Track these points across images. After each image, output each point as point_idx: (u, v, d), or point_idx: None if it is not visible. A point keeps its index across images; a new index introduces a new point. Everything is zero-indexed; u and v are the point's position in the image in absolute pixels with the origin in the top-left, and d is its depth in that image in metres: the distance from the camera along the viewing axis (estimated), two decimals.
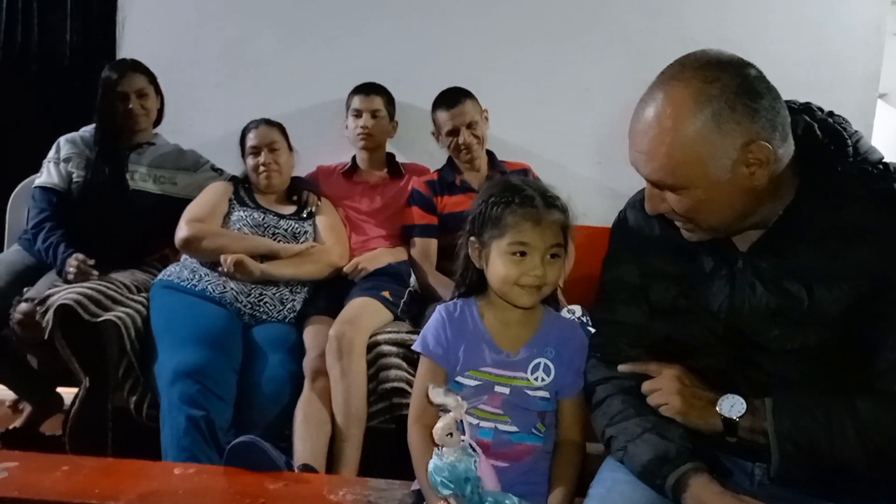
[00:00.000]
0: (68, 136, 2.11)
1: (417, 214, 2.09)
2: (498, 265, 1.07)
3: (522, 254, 1.05)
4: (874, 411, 0.85)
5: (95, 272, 1.87)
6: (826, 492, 0.93)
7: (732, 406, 0.92)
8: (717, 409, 0.93)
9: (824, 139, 0.92)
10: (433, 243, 2.07)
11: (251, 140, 2.04)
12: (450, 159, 2.17)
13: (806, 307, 0.89)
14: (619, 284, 1.07)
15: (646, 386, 1.00)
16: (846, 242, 0.87)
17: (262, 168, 2.02)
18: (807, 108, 0.96)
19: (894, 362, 0.86)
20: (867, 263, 0.86)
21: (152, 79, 2.14)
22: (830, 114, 0.96)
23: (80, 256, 1.87)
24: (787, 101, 0.92)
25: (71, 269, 1.86)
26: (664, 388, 0.98)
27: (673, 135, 0.85)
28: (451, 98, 2.08)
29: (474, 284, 1.14)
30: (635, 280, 1.05)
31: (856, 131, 0.94)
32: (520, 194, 1.07)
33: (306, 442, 1.61)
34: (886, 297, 0.85)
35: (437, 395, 0.94)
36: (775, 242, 0.92)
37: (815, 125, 0.93)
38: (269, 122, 2.09)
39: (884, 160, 0.92)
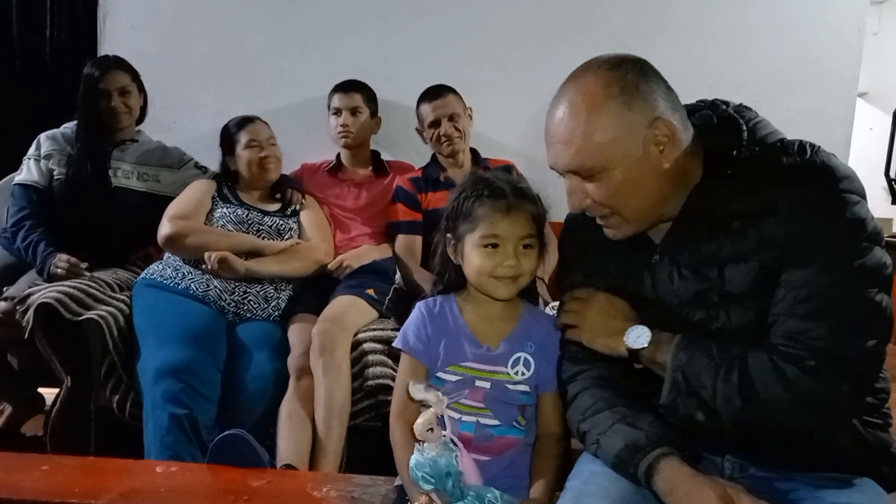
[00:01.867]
0: (49, 132, 2.09)
1: (402, 211, 2.09)
2: (472, 258, 1.08)
3: (495, 245, 1.06)
4: (758, 360, 0.87)
5: (87, 273, 1.86)
6: (791, 468, 0.95)
7: (638, 337, 0.96)
8: (624, 338, 0.97)
9: (719, 126, 0.97)
10: (418, 240, 2.07)
11: (248, 134, 2.02)
12: (434, 156, 2.17)
13: (720, 287, 0.93)
14: (571, 287, 1.10)
15: (565, 310, 1.04)
16: (747, 221, 0.91)
17: (265, 161, 2.01)
18: (713, 104, 1.02)
19: (780, 315, 0.88)
20: (766, 236, 0.89)
21: (135, 76, 2.11)
22: (738, 107, 1.00)
23: (70, 258, 1.85)
24: (696, 102, 1.01)
25: (61, 266, 1.84)
26: (580, 311, 1.03)
27: (587, 116, 0.91)
28: (435, 91, 2.11)
29: (453, 281, 1.15)
30: (581, 281, 1.09)
31: (755, 116, 0.98)
32: (489, 187, 1.08)
33: (290, 441, 1.61)
34: (784, 262, 0.88)
35: (418, 392, 0.95)
36: (684, 230, 0.97)
37: (714, 116, 0.99)
38: (259, 119, 2.08)
39: (782, 140, 0.95)
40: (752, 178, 0.92)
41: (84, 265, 1.87)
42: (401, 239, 2.08)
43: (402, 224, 2.09)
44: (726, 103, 1.01)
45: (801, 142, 0.93)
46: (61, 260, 1.85)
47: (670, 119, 0.92)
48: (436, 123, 2.07)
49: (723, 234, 0.93)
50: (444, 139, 2.07)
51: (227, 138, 2.06)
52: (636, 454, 0.92)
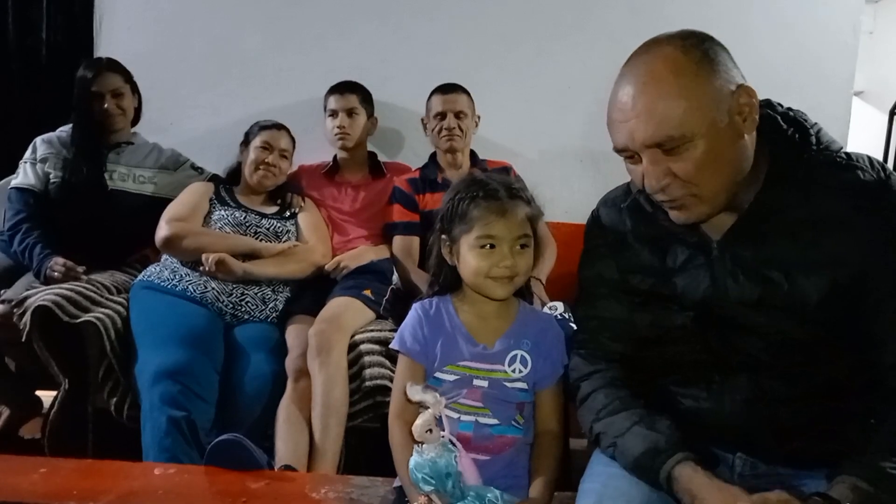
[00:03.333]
0: (44, 136, 2.09)
1: (399, 212, 2.09)
2: (469, 259, 1.08)
3: (491, 246, 1.06)
4: None
5: (84, 275, 1.86)
6: (798, 465, 0.95)
7: None
8: None
9: (788, 129, 0.94)
10: (415, 241, 2.07)
11: (267, 136, 2.03)
12: (432, 157, 2.18)
13: (787, 294, 0.90)
14: (598, 280, 1.08)
15: None
16: (820, 231, 0.89)
17: (266, 167, 2.01)
18: (767, 102, 0.98)
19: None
20: (841, 252, 0.88)
21: (128, 78, 2.12)
22: (790, 109, 0.98)
23: (66, 262, 1.85)
24: None
25: (57, 270, 1.83)
26: None
27: (674, 80, 0.86)
28: (449, 87, 2.12)
29: (449, 282, 1.15)
30: (613, 275, 1.05)
31: (815, 123, 0.96)
32: (484, 188, 1.08)
33: (288, 443, 1.61)
34: (869, 287, 0.88)
35: (416, 393, 0.95)
36: (749, 229, 0.93)
37: (778, 117, 0.96)
38: (287, 130, 2.09)
39: (848, 152, 0.94)
40: (823, 187, 0.90)
41: (81, 268, 1.87)
42: (398, 240, 2.08)
43: (400, 225, 2.09)
44: (780, 104, 0.98)
45: (869, 157, 0.93)
46: (58, 263, 1.85)
47: (752, 87, 0.87)
48: (441, 116, 2.08)
49: (791, 241, 0.90)
50: (444, 132, 2.07)
51: (249, 133, 2.07)
52: (657, 458, 0.91)
